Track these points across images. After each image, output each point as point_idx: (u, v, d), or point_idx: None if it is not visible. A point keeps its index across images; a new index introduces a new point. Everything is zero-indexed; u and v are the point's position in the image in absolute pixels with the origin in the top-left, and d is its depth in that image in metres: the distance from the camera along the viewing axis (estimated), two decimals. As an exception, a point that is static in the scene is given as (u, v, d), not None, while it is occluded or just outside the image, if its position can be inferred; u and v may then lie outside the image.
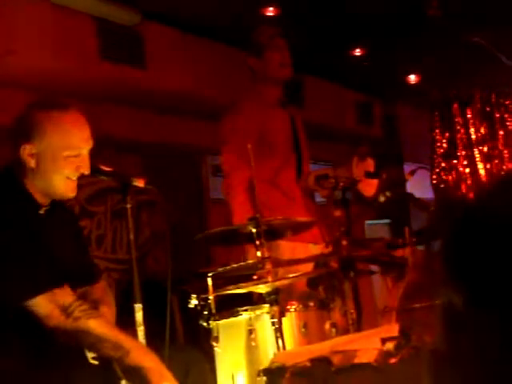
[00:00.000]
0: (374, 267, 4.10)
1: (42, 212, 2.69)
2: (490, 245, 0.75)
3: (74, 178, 2.65)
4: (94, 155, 2.75)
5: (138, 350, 2.49)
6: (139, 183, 2.75)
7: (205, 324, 3.36)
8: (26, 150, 2.60)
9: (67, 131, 2.63)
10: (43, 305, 2.45)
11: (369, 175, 3.79)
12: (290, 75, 4.33)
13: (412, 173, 3.82)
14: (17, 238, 2.51)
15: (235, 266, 3.43)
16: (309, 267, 3.78)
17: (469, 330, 0.77)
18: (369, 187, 3.95)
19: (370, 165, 3.84)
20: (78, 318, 2.45)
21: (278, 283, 3.22)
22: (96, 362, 2.56)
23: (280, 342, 3.17)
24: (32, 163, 2.60)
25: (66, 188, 2.66)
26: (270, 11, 5.39)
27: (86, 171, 2.66)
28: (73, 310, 2.46)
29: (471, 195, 7.30)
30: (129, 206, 2.72)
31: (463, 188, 7.55)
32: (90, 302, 2.68)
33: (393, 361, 2.44)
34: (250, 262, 3.32)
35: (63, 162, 2.62)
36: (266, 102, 4.26)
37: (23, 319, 2.47)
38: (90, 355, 2.57)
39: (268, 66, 4.27)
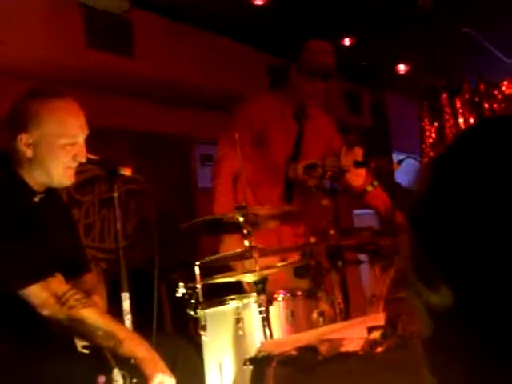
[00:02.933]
0: (362, 256, 4.10)
1: (36, 199, 2.68)
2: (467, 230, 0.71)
3: (73, 166, 2.65)
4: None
5: (131, 339, 2.48)
6: (126, 172, 2.74)
7: (192, 313, 3.36)
8: (23, 140, 2.59)
9: (63, 119, 2.63)
10: (38, 293, 2.45)
11: (357, 164, 3.79)
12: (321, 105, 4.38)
13: (399, 162, 3.82)
14: (11, 226, 2.50)
15: (223, 254, 3.43)
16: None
17: (453, 324, 0.74)
18: (357, 176, 3.95)
19: (358, 154, 3.84)
20: (73, 307, 2.45)
21: (265, 272, 3.22)
22: (86, 351, 2.56)
23: (267, 330, 3.17)
24: (29, 153, 2.60)
25: (64, 176, 2.66)
26: (259, 0, 5.37)
27: (83, 159, 2.67)
28: (67, 298, 2.45)
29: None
30: (116, 194, 2.71)
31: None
32: (83, 292, 2.68)
33: (379, 350, 2.45)
34: (238, 250, 3.32)
35: (60, 150, 2.62)
36: (280, 110, 4.22)
37: (14, 307, 2.47)
38: (80, 344, 2.57)
39: (305, 91, 4.21)
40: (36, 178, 2.65)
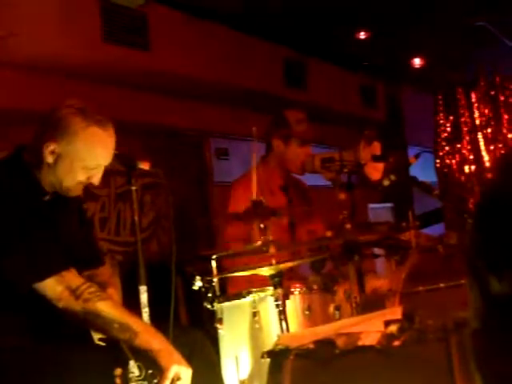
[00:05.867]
0: (377, 250, 4.10)
1: (47, 198, 2.70)
2: None
3: (84, 183, 2.70)
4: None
5: (146, 332, 2.50)
6: (144, 166, 2.75)
7: (209, 306, 3.38)
8: (50, 147, 2.62)
9: (94, 150, 2.66)
10: (52, 287, 2.46)
11: (375, 159, 3.78)
12: (302, 174, 4.30)
13: (417, 156, 3.81)
14: (24, 221, 2.51)
15: (240, 249, 3.44)
16: None
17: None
18: (375, 171, 3.94)
19: (376, 148, 3.82)
20: (88, 300, 2.46)
21: (282, 266, 3.23)
22: (102, 344, 2.57)
23: (284, 324, 3.18)
24: (50, 159, 2.63)
25: (74, 190, 2.71)
26: (275, -6, 5.37)
27: (97, 183, 2.72)
28: (82, 291, 2.47)
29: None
30: (134, 188, 2.72)
31: (466, 172, 7.54)
32: (97, 285, 2.69)
33: (396, 343, 2.45)
34: (254, 244, 3.32)
35: (79, 170, 2.66)
36: (268, 187, 4.10)
37: (30, 300, 2.48)
38: (96, 336, 2.58)
39: (290, 157, 4.21)
40: (48, 181, 2.68)
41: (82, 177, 2.66)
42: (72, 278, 2.51)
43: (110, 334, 2.51)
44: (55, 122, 2.64)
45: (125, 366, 2.44)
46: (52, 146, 2.61)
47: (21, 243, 2.49)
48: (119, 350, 2.48)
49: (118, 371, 2.42)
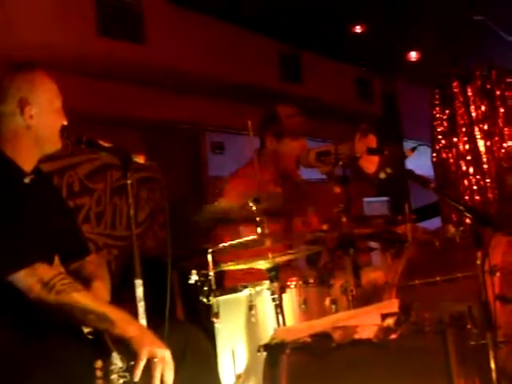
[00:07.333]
0: (373, 244, 4.09)
1: (27, 181, 2.68)
2: None
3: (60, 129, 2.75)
4: (93, 131, 2.76)
5: (122, 320, 2.46)
6: (139, 159, 2.74)
7: (205, 300, 3.37)
8: (27, 113, 2.65)
9: (50, 86, 2.74)
10: (24, 279, 2.45)
11: (371, 151, 3.76)
12: (296, 171, 4.27)
13: (413, 149, 3.79)
14: (2, 209, 2.50)
15: (235, 242, 3.43)
16: None
17: None
18: (370, 164, 3.92)
19: (371, 141, 3.81)
20: (60, 292, 2.44)
21: (278, 259, 3.22)
22: (90, 336, 2.55)
23: (280, 318, 3.18)
24: (32, 122, 2.66)
25: (58, 141, 2.74)
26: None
27: (66, 122, 2.75)
28: (54, 283, 2.45)
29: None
30: (129, 181, 2.71)
31: (463, 166, 7.54)
32: (84, 277, 2.69)
33: (393, 336, 2.45)
34: (250, 238, 3.31)
35: (55, 114, 2.72)
36: (263, 178, 3.87)
37: (15, 292, 2.47)
38: (86, 330, 2.57)
39: (284, 152, 4.18)
40: (28, 153, 2.69)
41: (58, 121, 2.72)
42: (45, 270, 2.49)
43: (88, 325, 2.50)
44: (13, 92, 2.66)
45: (107, 358, 2.42)
46: (28, 111, 2.65)
47: None
48: (102, 342, 2.46)
49: (99, 363, 2.40)
